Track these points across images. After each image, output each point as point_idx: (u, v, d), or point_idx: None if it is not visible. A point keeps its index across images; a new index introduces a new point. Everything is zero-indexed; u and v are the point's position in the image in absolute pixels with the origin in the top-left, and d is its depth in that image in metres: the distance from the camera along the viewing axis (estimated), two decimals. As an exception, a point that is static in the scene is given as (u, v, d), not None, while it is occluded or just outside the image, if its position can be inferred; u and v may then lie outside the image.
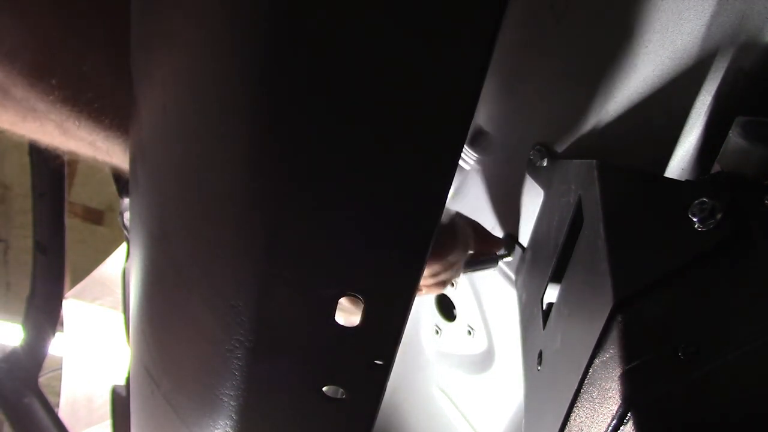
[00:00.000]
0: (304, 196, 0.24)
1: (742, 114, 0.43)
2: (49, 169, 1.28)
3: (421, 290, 0.61)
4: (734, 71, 0.45)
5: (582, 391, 0.34)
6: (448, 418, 0.82)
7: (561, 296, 0.46)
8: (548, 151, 0.57)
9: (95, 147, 0.36)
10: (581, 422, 0.34)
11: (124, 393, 1.34)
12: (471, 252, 0.62)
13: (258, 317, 0.26)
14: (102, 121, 0.34)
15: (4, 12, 0.29)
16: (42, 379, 1.51)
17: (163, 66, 0.28)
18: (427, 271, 0.57)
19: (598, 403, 0.32)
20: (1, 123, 0.34)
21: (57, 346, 1.66)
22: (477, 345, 0.75)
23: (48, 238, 1.41)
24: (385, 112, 0.22)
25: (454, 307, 0.79)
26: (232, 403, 0.29)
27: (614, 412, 0.30)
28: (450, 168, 0.24)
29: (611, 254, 0.35)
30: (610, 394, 0.31)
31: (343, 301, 0.26)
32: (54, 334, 1.52)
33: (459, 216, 0.61)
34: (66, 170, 1.33)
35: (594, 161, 0.42)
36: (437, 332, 0.83)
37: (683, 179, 0.49)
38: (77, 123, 0.33)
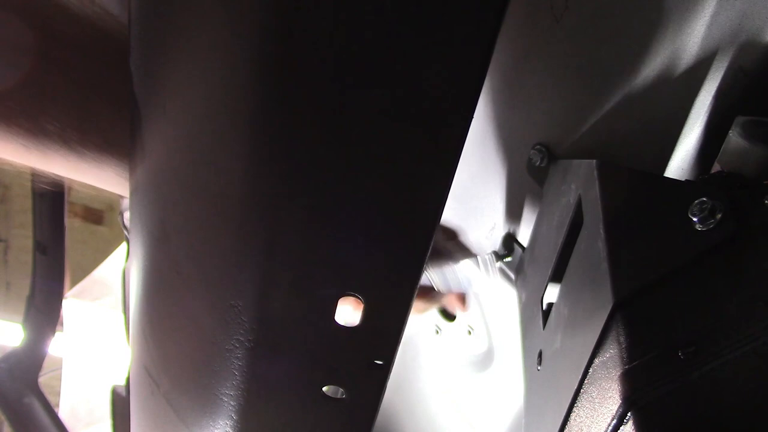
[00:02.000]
0: (304, 197, 0.24)
1: (742, 114, 0.43)
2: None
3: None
4: (734, 71, 0.45)
5: (582, 391, 0.34)
6: (448, 418, 0.82)
7: (561, 296, 0.46)
8: (548, 151, 0.57)
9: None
10: (581, 422, 0.34)
11: (124, 393, 1.34)
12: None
13: (258, 317, 0.26)
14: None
15: None
16: (42, 379, 1.51)
17: (164, 65, 0.28)
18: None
19: (598, 403, 0.32)
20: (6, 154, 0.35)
21: (57, 346, 1.66)
22: (477, 345, 0.75)
23: (48, 238, 1.41)
24: (382, 112, 0.22)
25: None
26: (232, 403, 0.29)
27: (614, 412, 0.30)
28: (450, 167, 0.24)
29: (611, 254, 0.35)
30: (610, 394, 0.31)
31: (343, 301, 0.26)
32: (54, 334, 1.52)
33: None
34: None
35: (594, 161, 0.42)
36: (437, 332, 0.83)
37: (683, 179, 0.49)
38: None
